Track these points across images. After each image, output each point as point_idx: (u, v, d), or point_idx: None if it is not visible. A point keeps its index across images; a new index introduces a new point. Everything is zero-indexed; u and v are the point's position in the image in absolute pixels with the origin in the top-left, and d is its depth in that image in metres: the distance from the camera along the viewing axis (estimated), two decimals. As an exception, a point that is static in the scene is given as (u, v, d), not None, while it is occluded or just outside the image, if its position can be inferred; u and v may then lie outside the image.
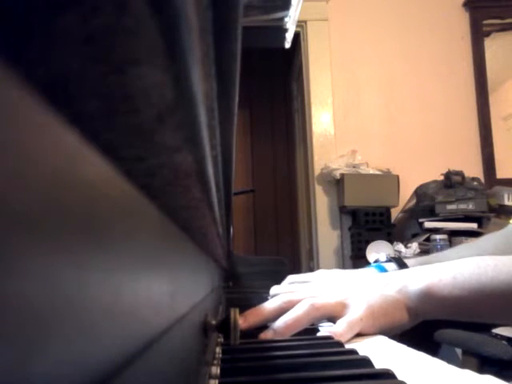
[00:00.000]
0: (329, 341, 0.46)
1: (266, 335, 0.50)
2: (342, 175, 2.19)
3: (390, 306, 0.53)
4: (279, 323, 0.51)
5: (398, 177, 2.20)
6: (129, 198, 0.14)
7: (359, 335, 0.51)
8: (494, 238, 0.84)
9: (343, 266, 2.28)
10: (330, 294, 0.55)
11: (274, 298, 0.57)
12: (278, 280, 0.81)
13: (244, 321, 0.52)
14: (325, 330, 0.51)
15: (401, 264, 0.77)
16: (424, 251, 1.88)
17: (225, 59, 0.15)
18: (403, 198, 2.22)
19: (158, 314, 0.17)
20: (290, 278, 0.79)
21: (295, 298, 0.55)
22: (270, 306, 0.54)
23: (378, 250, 1.88)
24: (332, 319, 0.54)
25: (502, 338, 1.10)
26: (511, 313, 0.54)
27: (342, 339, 0.48)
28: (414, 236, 2.09)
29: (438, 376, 0.34)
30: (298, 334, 0.52)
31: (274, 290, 0.74)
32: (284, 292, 0.60)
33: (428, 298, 0.53)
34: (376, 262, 0.80)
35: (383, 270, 0.76)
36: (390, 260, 0.79)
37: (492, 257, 0.56)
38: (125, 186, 0.13)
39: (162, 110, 0.12)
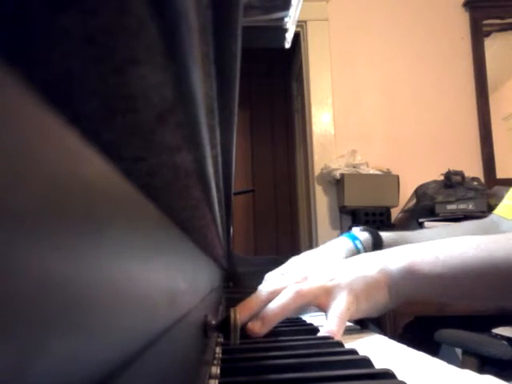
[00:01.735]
0: (329, 341, 0.46)
1: (254, 325, 0.50)
2: (342, 175, 2.19)
3: (371, 287, 0.54)
4: (266, 312, 0.51)
5: (398, 177, 2.20)
6: (129, 197, 0.14)
7: (359, 334, 0.51)
8: (473, 225, 0.84)
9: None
10: (314, 279, 0.55)
11: (258, 291, 0.57)
12: None
13: None
14: (322, 330, 0.51)
15: (375, 235, 0.76)
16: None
17: (225, 59, 0.15)
18: (403, 198, 2.22)
19: (158, 314, 0.17)
20: (267, 276, 0.76)
21: (279, 287, 0.54)
22: (256, 298, 0.54)
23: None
24: (318, 305, 0.54)
25: (502, 338, 1.10)
26: (491, 292, 0.54)
27: (338, 335, 0.48)
28: (414, 236, 2.09)
29: (438, 376, 0.34)
30: (298, 333, 0.52)
31: (268, 276, 0.73)
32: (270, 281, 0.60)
33: (409, 275, 0.53)
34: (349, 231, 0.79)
35: (355, 238, 0.75)
36: (364, 230, 0.78)
37: (475, 236, 0.55)
38: (125, 186, 0.13)
39: (162, 110, 0.12)
